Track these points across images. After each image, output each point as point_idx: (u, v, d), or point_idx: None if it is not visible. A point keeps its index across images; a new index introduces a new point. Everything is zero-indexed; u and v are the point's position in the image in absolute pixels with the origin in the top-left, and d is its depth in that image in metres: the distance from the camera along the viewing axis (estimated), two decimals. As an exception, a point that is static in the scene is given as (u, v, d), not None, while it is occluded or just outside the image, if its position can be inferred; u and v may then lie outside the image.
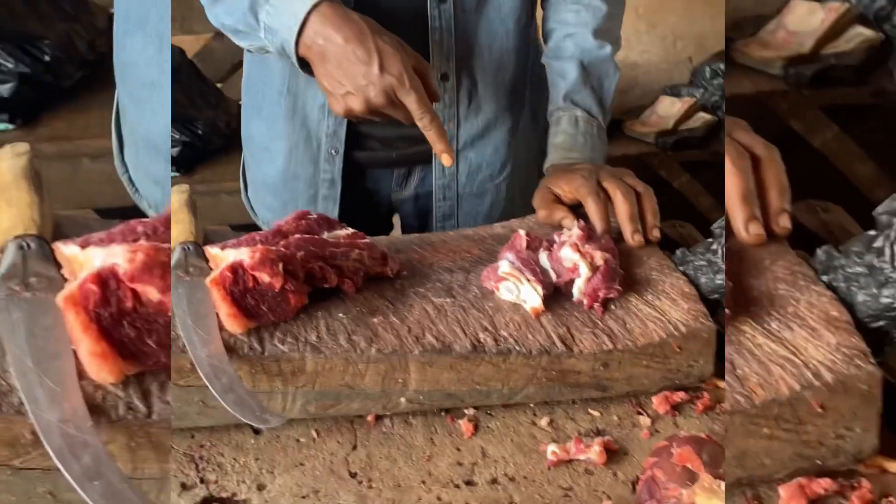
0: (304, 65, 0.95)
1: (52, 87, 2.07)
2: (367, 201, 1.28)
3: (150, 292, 0.64)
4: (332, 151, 1.16)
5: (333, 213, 1.20)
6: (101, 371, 0.62)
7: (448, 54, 1.11)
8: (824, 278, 0.79)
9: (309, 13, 0.90)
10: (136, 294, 0.64)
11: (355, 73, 0.90)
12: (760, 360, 0.70)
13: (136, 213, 1.31)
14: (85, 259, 0.67)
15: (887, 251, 0.71)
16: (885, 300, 0.71)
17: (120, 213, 1.04)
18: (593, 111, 1.12)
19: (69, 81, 1.99)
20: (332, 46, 0.90)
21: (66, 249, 0.69)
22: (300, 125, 1.16)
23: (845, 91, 1.78)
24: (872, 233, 0.74)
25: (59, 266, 0.69)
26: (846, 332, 0.71)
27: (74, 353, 0.62)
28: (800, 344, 0.71)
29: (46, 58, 1.88)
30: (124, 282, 0.63)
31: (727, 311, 0.74)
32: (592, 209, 0.94)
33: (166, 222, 0.76)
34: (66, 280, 0.67)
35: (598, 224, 0.93)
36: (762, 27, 2.00)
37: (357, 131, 1.17)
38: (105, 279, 0.63)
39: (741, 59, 1.91)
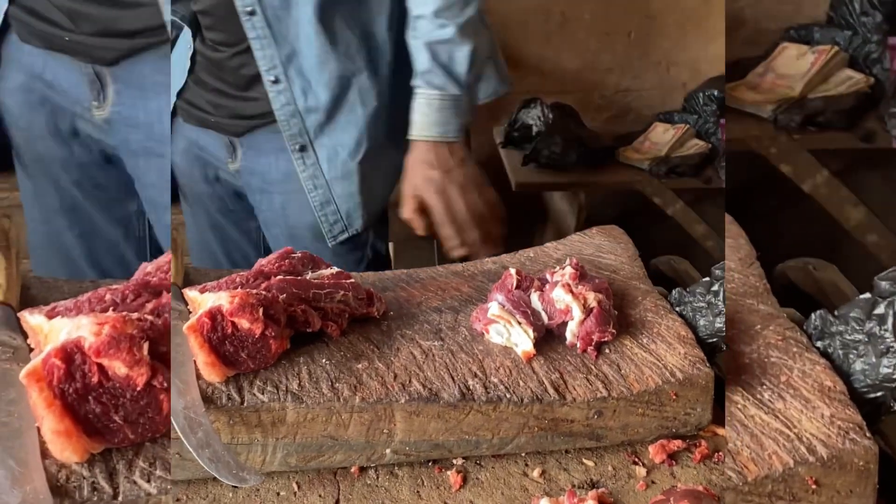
0: None
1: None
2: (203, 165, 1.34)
3: (117, 366, 0.61)
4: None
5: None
6: (65, 450, 0.59)
7: (273, 58, 1.19)
8: (818, 344, 0.76)
9: None
10: (102, 368, 0.61)
11: None
12: (752, 432, 0.68)
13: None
14: (50, 330, 0.65)
15: (889, 320, 0.69)
16: (885, 370, 0.69)
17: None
18: (448, 88, 1.18)
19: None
20: None
21: (32, 319, 0.67)
22: None
23: (835, 135, 1.77)
24: (868, 296, 0.72)
25: (25, 335, 0.66)
26: (841, 404, 0.69)
27: (38, 430, 0.59)
28: (793, 416, 0.68)
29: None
30: (90, 356, 0.60)
31: (732, 373, 0.72)
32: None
33: (136, 290, 0.74)
34: (31, 349, 0.64)
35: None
36: (751, 70, 2.00)
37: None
38: (70, 354, 0.60)
39: (730, 103, 1.91)
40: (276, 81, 1.21)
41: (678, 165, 2.10)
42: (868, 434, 0.65)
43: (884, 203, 1.83)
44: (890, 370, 0.68)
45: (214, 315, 0.70)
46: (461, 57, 1.18)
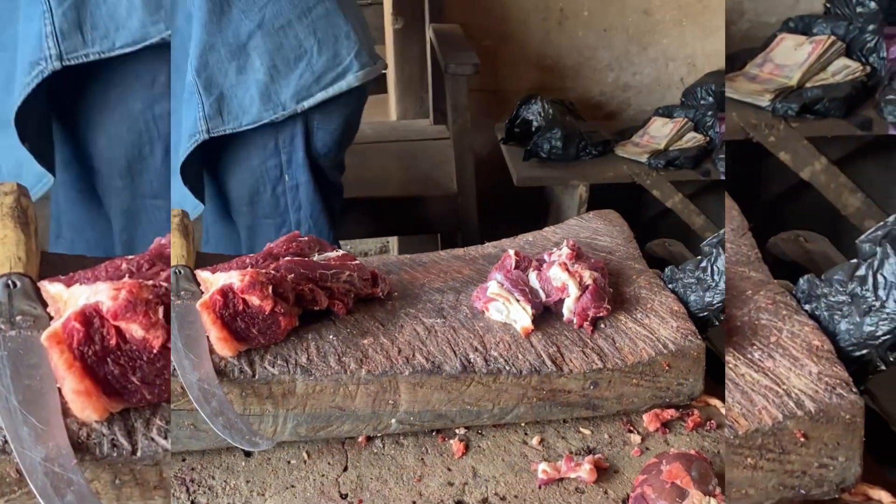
0: None
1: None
2: None
3: (134, 329, 0.64)
4: None
5: None
6: (86, 409, 0.62)
7: None
8: (806, 307, 0.79)
9: None
10: (119, 331, 0.64)
11: None
12: (743, 389, 0.71)
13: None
14: (70, 297, 0.68)
15: (870, 280, 0.72)
16: (868, 328, 0.72)
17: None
18: None
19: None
20: None
21: (52, 288, 0.70)
22: None
23: (833, 123, 1.80)
24: (855, 262, 0.75)
25: (45, 304, 0.70)
26: (828, 362, 0.71)
27: (59, 390, 0.63)
28: (782, 373, 0.71)
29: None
30: (108, 319, 0.64)
31: (726, 336, 0.75)
32: None
33: (151, 260, 0.77)
34: (51, 318, 0.68)
35: None
36: (749, 61, 2.03)
37: None
38: (89, 317, 0.63)
39: (729, 93, 1.94)
40: None
41: (676, 158, 2.13)
42: (854, 389, 0.68)
43: (882, 189, 1.86)
44: (873, 328, 0.71)
45: (226, 293, 0.74)
46: None
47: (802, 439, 0.66)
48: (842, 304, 0.75)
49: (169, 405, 0.67)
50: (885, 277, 0.71)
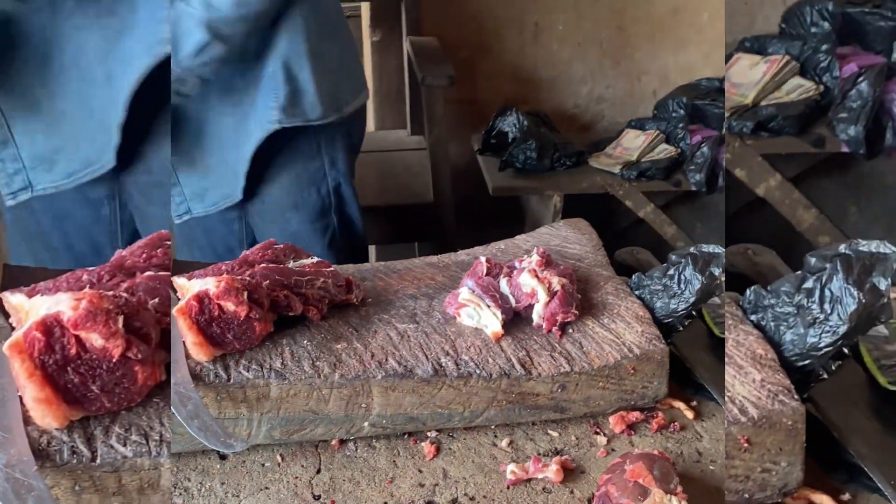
0: None
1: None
2: None
3: (94, 339, 0.65)
4: None
5: None
6: (46, 417, 0.63)
7: None
8: (753, 317, 0.82)
9: None
10: (80, 341, 0.65)
11: None
12: None
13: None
14: (31, 308, 0.69)
15: (817, 293, 0.75)
16: (811, 339, 0.75)
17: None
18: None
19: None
20: None
21: (13, 299, 0.71)
22: None
23: (787, 140, 1.85)
24: (801, 274, 0.78)
25: (6, 315, 0.71)
26: (771, 370, 0.74)
27: (20, 398, 0.64)
28: (727, 381, 0.74)
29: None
30: (69, 329, 0.65)
31: (727, 333, 0.78)
32: None
33: (112, 270, 0.78)
34: (13, 329, 0.69)
35: None
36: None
37: None
38: (50, 326, 0.64)
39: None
40: None
41: (648, 169, 2.17)
42: (796, 396, 0.71)
43: (835, 206, 1.91)
44: (816, 339, 0.74)
45: (202, 298, 0.75)
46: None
47: (746, 444, 0.69)
48: (788, 315, 0.78)
49: (129, 412, 0.68)
50: (831, 292, 0.74)
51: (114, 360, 0.66)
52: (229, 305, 0.76)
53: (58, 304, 0.66)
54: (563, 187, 2.21)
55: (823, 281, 0.74)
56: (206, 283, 0.76)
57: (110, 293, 0.69)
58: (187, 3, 1.11)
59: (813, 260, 0.76)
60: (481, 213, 2.42)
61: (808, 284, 0.75)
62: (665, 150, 2.23)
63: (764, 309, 0.80)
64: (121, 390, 0.67)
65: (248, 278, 0.79)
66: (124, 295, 0.71)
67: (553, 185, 2.21)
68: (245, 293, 0.77)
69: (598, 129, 2.72)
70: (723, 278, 0.85)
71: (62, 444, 0.64)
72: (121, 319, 0.67)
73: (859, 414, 0.76)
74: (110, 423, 0.66)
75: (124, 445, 0.65)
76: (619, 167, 2.21)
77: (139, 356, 0.68)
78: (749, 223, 1.94)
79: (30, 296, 0.72)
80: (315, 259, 0.91)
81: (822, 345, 0.74)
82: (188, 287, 0.79)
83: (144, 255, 0.84)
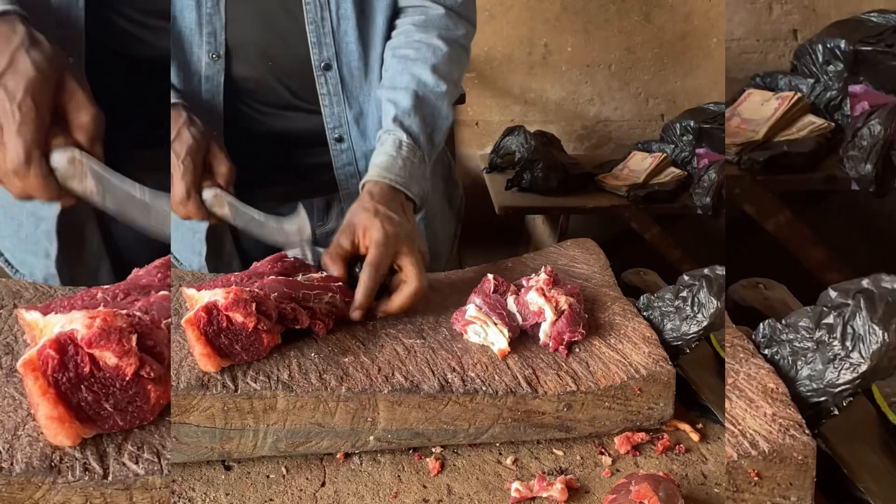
0: None
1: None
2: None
3: (108, 357, 0.66)
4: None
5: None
6: (59, 435, 0.64)
7: (341, 116, 1.14)
8: (766, 351, 0.82)
9: None
10: (93, 359, 0.66)
11: None
12: None
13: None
14: (45, 325, 0.70)
15: (839, 329, 0.74)
16: (830, 376, 0.75)
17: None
18: (419, 140, 1.07)
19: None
20: None
21: (28, 316, 0.72)
22: None
23: (797, 177, 1.85)
24: (819, 308, 0.77)
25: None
26: (782, 404, 0.74)
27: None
28: (738, 414, 0.74)
29: None
30: (82, 347, 0.65)
31: (727, 363, 0.78)
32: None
33: (126, 290, 0.79)
34: (27, 345, 0.69)
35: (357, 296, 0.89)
36: None
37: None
38: (64, 345, 0.65)
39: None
40: (339, 140, 1.16)
41: (655, 192, 2.18)
42: (807, 431, 0.71)
43: (843, 243, 1.91)
44: (835, 376, 0.74)
45: (210, 310, 0.75)
46: (442, 124, 1.11)
47: (756, 478, 0.69)
48: (806, 350, 0.77)
49: (141, 430, 0.68)
50: (853, 329, 0.73)
51: (127, 379, 0.67)
52: (237, 317, 0.76)
53: (72, 322, 0.67)
54: (569, 207, 2.21)
55: (846, 317, 0.74)
56: (215, 294, 0.77)
57: (124, 312, 0.70)
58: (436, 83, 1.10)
59: (834, 294, 0.76)
60: (487, 231, 2.42)
61: (829, 320, 0.75)
62: (672, 173, 2.24)
63: (780, 343, 0.80)
64: (133, 408, 0.68)
65: (256, 290, 0.80)
66: (138, 314, 0.71)
67: (559, 204, 2.21)
68: (253, 305, 0.77)
69: (605, 150, 2.73)
70: (722, 300, 0.86)
71: (74, 460, 0.64)
72: (134, 338, 0.68)
73: (869, 451, 0.75)
74: (122, 441, 0.67)
75: (136, 463, 0.65)
76: (626, 189, 2.21)
77: (152, 375, 0.68)
78: (748, 256, 1.94)
79: (44, 313, 0.72)
80: (323, 273, 0.91)
81: (840, 381, 0.74)
82: (197, 297, 0.79)
83: (160, 275, 0.85)
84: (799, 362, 0.78)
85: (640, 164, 2.30)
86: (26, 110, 0.77)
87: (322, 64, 1.10)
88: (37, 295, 0.90)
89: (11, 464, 0.62)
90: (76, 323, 0.67)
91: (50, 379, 0.64)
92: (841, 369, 0.73)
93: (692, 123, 2.26)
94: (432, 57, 1.10)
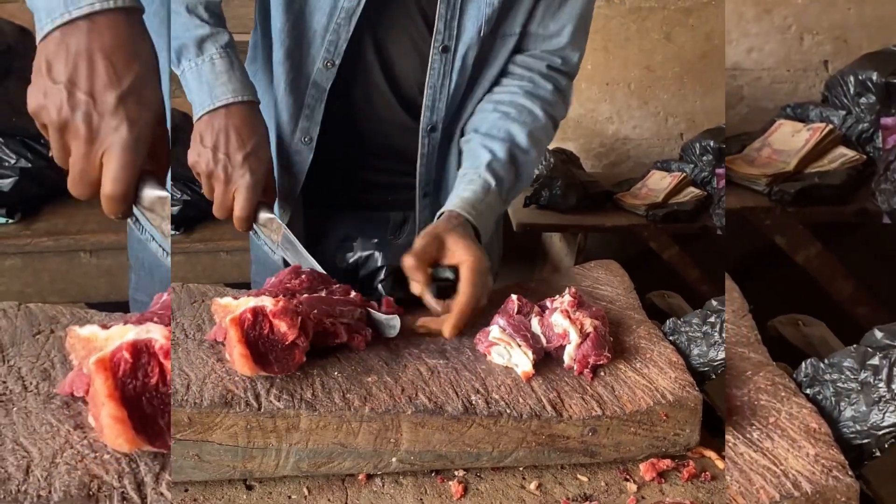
0: None
1: (53, 182, 2.12)
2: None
3: (281, 325, 0.70)
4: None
5: None
6: (119, 437, 0.63)
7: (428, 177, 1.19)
8: (808, 391, 0.81)
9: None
10: (163, 371, 0.66)
11: None
12: (742, 468, 0.72)
13: (126, 307, 1.26)
14: (108, 337, 0.69)
15: (885, 371, 0.73)
16: (874, 418, 0.74)
17: (113, 306, 1.04)
18: (503, 191, 1.11)
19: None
20: None
21: (83, 331, 0.71)
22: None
23: (828, 209, 1.83)
24: (863, 349, 0.76)
25: None
26: (825, 444, 0.73)
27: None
28: (780, 454, 0.73)
29: (49, 153, 1.94)
30: (157, 356, 0.65)
31: (727, 415, 0.77)
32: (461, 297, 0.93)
33: (273, 292, 0.82)
34: (76, 367, 0.69)
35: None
36: (748, 145, 2.08)
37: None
38: (139, 350, 0.65)
39: (727, 175, 1.99)
40: (425, 196, 1.21)
41: (674, 211, 2.17)
42: (850, 472, 0.70)
43: (875, 277, 1.89)
44: (880, 418, 0.73)
45: (257, 312, 0.76)
46: (521, 185, 1.15)
47: None
48: (850, 391, 0.76)
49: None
50: None
51: (287, 342, 0.71)
52: (282, 326, 0.76)
53: (149, 332, 0.67)
54: (587, 226, 2.21)
55: (892, 359, 0.73)
56: (262, 300, 0.77)
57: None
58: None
59: (880, 335, 0.75)
60: (503, 249, 2.42)
61: (874, 361, 0.74)
62: (691, 193, 2.23)
63: (823, 383, 0.79)
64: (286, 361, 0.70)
65: (300, 304, 0.80)
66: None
67: (577, 222, 2.21)
68: (299, 318, 0.77)
69: (624, 168, 2.72)
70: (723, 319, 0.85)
71: (112, 489, 0.63)
72: (299, 318, 0.74)
73: (911, 493, 0.74)
74: (160, 470, 0.66)
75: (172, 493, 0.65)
76: (645, 208, 2.20)
77: (304, 344, 0.76)
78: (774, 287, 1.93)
79: (104, 327, 0.72)
80: (341, 286, 0.91)
81: (885, 424, 0.73)
82: (235, 305, 0.79)
83: (297, 280, 0.90)
84: (842, 403, 0.78)
85: (659, 183, 2.29)
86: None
87: (429, 127, 1.15)
88: (73, 319, 0.90)
89: (49, 492, 0.62)
90: (154, 333, 0.68)
91: (118, 382, 0.64)
92: (886, 412, 0.72)
93: (712, 143, 2.25)
94: (531, 123, 1.14)
